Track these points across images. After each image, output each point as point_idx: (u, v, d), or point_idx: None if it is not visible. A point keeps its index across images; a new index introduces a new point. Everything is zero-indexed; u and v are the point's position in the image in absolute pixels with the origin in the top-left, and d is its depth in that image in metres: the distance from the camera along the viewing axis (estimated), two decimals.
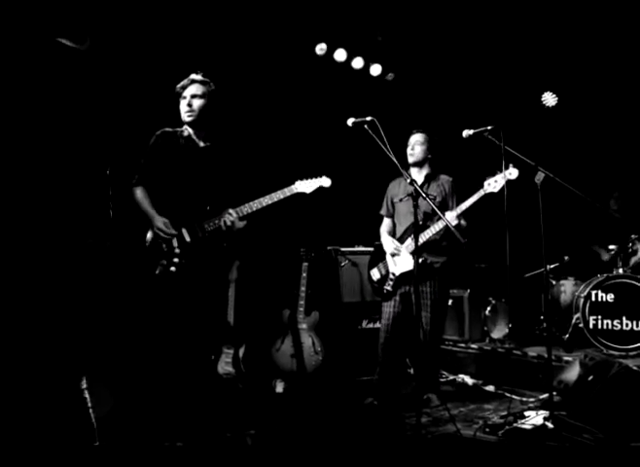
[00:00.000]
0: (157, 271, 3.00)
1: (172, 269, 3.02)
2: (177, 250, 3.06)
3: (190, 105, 3.17)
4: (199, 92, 3.19)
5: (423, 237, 3.88)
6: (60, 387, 2.17)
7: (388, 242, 4.13)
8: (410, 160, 4.11)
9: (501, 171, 3.65)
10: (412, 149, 4.10)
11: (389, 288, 4.08)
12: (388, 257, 4.13)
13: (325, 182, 3.45)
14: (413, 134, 4.15)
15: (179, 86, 3.21)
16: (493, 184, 3.71)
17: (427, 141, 4.11)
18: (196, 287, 3.08)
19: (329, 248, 5.14)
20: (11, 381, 2.16)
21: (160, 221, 3.07)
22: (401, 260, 4.03)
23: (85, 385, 2.65)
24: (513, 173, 3.62)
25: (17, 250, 2.12)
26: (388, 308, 4.10)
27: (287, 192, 3.31)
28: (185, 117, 3.20)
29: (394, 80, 6.23)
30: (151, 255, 3.06)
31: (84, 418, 2.28)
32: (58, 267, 2.12)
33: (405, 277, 4.02)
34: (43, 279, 2.10)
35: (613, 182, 5.71)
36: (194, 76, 3.22)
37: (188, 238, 3.10)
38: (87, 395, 2.65)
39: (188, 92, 3.19)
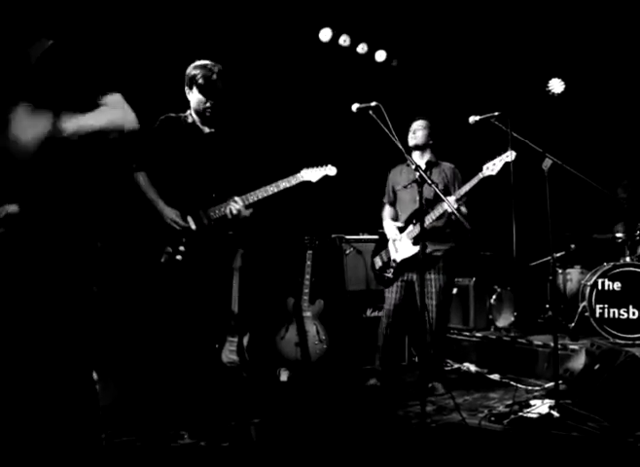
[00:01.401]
0: (162, 260, 2.98)
1: (178, 257, 2.99)
2: (183, 238, 3.03)
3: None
4: None
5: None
6: (70, 378, 2.16)
7: (391, 228, 4.12)
8: (412, 142, 4.12)
9: (500, 155, 3.63)
10: (414, 133, 4.12)
11: (390, 275, 4.08)
12: (390, 243, 4.12)
13: (331, 171, 3.38)
14: (416, 121, 4.18)
15: (199, 74, 3.09)
16: (491, 167, 3.69)
17: (429, 127, 4.14)
18: (201, 275, 3.06)
19: (333, 236, 5.12)
20: (20, 373, 2.16)
21: (172, 213, 3.03)
22: (402, 246, 4.02)
23: (95, 376, 2.63)
24: (510, 155, 3.59)
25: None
26: (390, 294, 4.11)
27: (293, 180, 3.25)
28: (202, 107, 3.13)
29: (399, 66, 6.16)
30: (156, 243, 3.03)
31: (92, 408, 2.27)
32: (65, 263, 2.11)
33: (406, 264, 4.01)
34: (53, 277, 2.09)
35: (622, 170, 5.65)
36: (212, 65, 3.13)
37: (193, 226, 3.07)
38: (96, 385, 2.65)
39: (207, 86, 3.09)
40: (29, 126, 1.97)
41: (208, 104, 3.11)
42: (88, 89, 2.12)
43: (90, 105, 2.09)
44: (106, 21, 4.01)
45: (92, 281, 2.20)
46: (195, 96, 3.13)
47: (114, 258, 2.41)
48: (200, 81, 3.07)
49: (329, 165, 3.38)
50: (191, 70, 3.13)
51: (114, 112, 2.10)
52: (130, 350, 3.46)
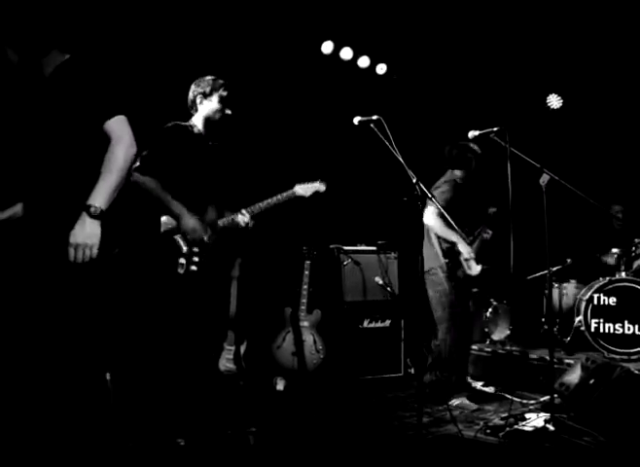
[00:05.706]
0: (180, 271, 2.98)
1: (193, 267, 3.02)
2: (196, 249, 3.05)
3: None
4: None
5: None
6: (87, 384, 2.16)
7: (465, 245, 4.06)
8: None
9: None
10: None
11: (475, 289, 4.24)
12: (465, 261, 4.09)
13: (320, 187, 3.57)
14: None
15: (222, 85, 3.18)
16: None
17: None
18: (209, 285, 3.08)
19: (331, 247, 5.14)
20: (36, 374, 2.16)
21: (194, 221, 3.03)
22: (473, 264, 4.07)
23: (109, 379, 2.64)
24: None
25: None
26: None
27: (290, 194, 3.45)
28: (217, 116, 3.20)
29: (400, 80, 6.21)
30: (167, 252, 3.04)
31: (105, 413, 2.28)
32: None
33: None
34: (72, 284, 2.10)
35: (615, 194, 5.69)
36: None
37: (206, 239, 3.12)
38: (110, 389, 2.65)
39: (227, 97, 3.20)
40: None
41: (224, 114, 3.18)
42: (97, 110, 2.16)
43: (95, 126, 2.14)
44: (114, 33, 4.06)
45: (108, 284, 2.22)
46: (212, 105, 3.18)
47: (130, 265, 2.40)
48: (223, 92, 3.17)
49: (318, 182, 3.57)
50: (211, 80, 3.19)
51: (119, 160, 2.14)
52: (129, 358, 3.46)
